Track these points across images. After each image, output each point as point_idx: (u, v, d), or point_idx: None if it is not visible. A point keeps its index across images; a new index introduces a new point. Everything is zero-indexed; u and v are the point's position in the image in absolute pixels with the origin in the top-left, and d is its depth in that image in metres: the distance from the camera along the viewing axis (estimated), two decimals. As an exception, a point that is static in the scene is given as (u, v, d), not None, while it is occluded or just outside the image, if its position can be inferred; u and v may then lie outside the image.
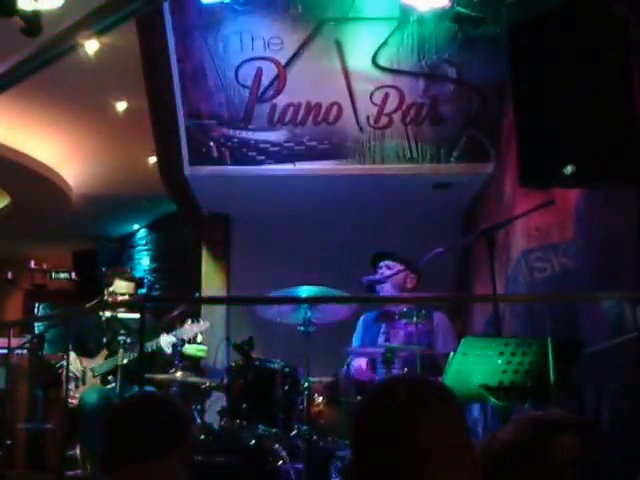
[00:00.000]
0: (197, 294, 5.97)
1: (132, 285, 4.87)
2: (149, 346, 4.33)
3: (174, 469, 1.70)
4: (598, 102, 2.90)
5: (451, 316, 4.43)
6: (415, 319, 3.74)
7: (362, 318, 4.39)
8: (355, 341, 4.38)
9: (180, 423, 1.77)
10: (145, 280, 8.52)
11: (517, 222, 4.16)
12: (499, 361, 2.89)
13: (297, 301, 3.88)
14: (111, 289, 4.75)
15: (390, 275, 4.14)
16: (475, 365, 2.90)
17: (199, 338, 4.49)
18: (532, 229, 4.20)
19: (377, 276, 4.22)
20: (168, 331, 4.44)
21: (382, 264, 4.27)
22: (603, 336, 3.41)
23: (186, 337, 4.40)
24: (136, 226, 9.45)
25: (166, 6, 4.52)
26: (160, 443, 1.69)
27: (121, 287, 4.76)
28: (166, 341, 4.39)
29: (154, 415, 1.77)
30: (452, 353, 2.97)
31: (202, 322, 4.50)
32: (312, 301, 3.87)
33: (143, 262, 9.24)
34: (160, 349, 4.39)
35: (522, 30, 3.13)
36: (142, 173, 6.83)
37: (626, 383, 3.21)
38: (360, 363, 4.08)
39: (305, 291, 3.88)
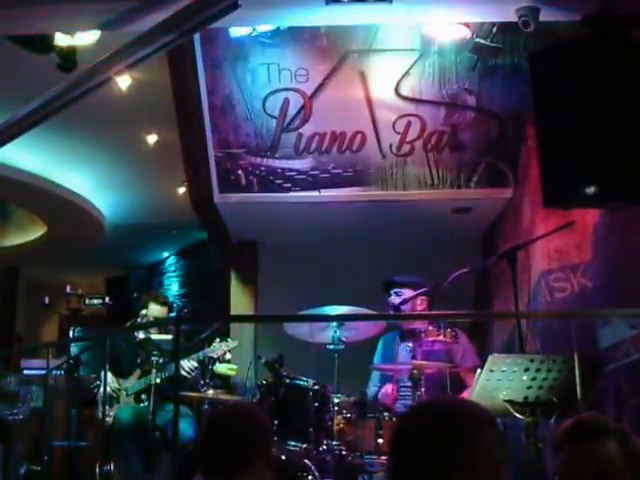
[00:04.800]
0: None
1: (165, 309, 4.97)
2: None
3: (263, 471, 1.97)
4: (619, 124, 2.94)
5: (471, 336, 4.52)
6: (441, 337, 3.84)
7: (382, 338, 4.48)
8: (376, 360, 4.47)
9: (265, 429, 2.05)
10: (174, 305, 8.66)
11: (537, 244, 4.20)
12: (524, 377, 2.91)
13: (326, 319, 3.98)
14: (144, 312, 4.85)
15: (407, 300, 4.25)
16: (501, 381, 2.92)
17: (228, 356, 4.56)
18: (551, 250, 4.25)
19: (394, 301, 4.35)
20: (196, 352, 4.53)
21: (392, 292, 4.40)
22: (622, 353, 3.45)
23: (215, 355, 4.49)
24: (166, 253, 9.58)
25: (196, 39, 4.60)
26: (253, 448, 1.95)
27: (155, 310, 4.87)
28: (187, 365, 4.49)
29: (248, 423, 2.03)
30: (479, 370, 3.01)
31: (230, 341, 4.60)
32: (340, 319, 3.98)
33: (172, 288, 9.36)
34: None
35: (542, 56, 3.19)
36: (172, 203, 6.97)
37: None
38: (387, 389, 4.18)
39: (333, 310, 3.98)
